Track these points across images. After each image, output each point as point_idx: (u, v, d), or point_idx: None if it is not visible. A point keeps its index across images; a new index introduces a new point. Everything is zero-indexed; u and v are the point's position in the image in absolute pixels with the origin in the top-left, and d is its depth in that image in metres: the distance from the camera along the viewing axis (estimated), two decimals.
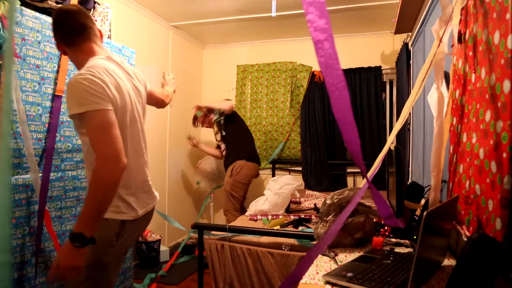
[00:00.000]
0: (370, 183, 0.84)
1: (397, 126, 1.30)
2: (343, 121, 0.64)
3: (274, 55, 4.24)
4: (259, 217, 2.57)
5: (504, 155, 0.84)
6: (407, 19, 2.57)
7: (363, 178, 0.91)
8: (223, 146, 3.47)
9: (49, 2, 1.87)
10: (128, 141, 1.31)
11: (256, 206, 2.70)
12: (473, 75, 1.11)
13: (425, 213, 0.82)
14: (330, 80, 0.60)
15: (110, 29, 2.35)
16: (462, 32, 1.25)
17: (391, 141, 1.30)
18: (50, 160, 1.83)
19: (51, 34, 1.84)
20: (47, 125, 1.84)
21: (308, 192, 3.68)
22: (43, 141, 1.82)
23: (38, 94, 1.79)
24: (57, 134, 1.88)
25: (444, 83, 1.40)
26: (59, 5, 1.91)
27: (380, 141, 3.80)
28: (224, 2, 3.14)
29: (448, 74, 1.46)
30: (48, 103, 1.85)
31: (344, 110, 0.62)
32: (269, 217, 2.54)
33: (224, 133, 3.40)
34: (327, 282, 0.99)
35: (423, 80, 1.26)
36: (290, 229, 2.27)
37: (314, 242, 1.51)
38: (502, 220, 0.85)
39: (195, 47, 4.36)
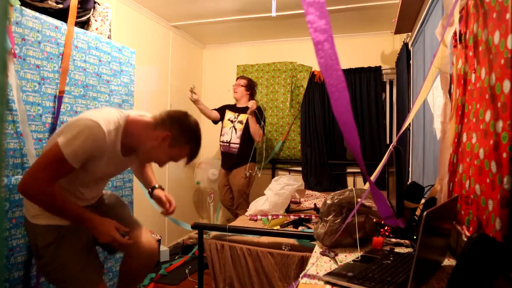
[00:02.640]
0: (371, 182, 0.84)
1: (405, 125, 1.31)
2: (344, 121, 0.64)
3: (274, 55, 4.24)
4: (259, 217, 2.57)
5: (504, 155, 0.84)
6: (407, 19, 2.57)
7: (363, 178, 0.91)
8: (239, 134, 3.34)
9: (49, 2, 1.87)
10: None
11: (256, 206, 2.70)
12: (473, 75, 1.11)
13: (425, 213, 0.82)
14: (331, 81, 0.60)
15: (110, 29, 2.35)
16: (462, 32, 1.25)
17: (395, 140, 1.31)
18: None
19: (51, 34, 1.85)
20: (47, 125, 1.84)
21: (308, 192, 3.68)
22: (43, 141, 1.82)
23: (38, 94, 1.79)
24: None
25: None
26: (59, 5, 1.91)
27: (380, 141, 3.80)
28: (224, 2, 3.14)
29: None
30: (48, 103, 1.85)
31: (344, 111, 0.62)
32: (269, 217, 2.54)
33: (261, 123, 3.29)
34: (327, 282, 0.99)
35: (421, 80, 1.25)
36: (290, 229, 2.27)
37: (314, 242, 1.51)
38: (502, 220, 0.85)
39: (195, 47, 4.36)
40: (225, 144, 3.41)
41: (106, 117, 1.30)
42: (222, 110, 3.50)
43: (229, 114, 3.45)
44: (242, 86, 3.41)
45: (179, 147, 1.41)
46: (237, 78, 3.54)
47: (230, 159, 3.38)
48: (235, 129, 3.37)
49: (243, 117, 3.36)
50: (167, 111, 1.43)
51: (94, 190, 1.52)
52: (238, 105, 3.46)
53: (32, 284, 1.74)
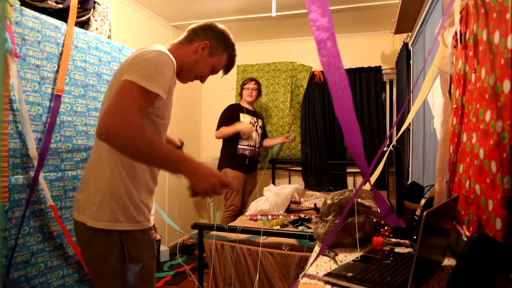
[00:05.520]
0: (371, 184, 0.84)
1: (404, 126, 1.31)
2: (345, 120, 0.64)
3: (274, 55, 4.24)
4: (259, 217, 2.57)
5: (504, 155, 0.84)
6: (407, 19, 2.57)
7: (363, 178, 0.91)
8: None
9: (49, 2, 1.87)
10: None
11: (256, 206, 2.70)
12: (473, 75, 1.11)
13: (425, 213, 0.82)
14: (333, 80, 0.60)
15: (110, 29, 2.35)
16: (462, 32, 1.25)
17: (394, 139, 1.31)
18: (44, 159, 1.79)
19: (51, 34, 1.85)
20: (47, 125, 1.84)
21: (308, 192, 3.68)
22: (43, 140, 1.82)
23: (38, 94, 1.79)
24: (57, 134, 1.88)
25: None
26: (59, 5, 1.91)
27: (380, 141, 3.80)
28: (224, 2, 3.14)
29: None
30: (48, 103, 1.85)
31: (346, 109, 0.62)
32: (269, 217, 2.54)
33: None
34: (327, 282, 0.99)
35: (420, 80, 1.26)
36: (290, 229, 2.27)
37: (314, 242, 1.51)
38: (502, 220, 0.85)
39: None
40: (251, 148, 3.34)
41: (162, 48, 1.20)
42: (233, 115, 3.33)
43: (247, 117, 3.37)
44: (256, 90, 3.48)
45: (218, 55, 1.35)
46: (248, 81, 3.47)
47: (254, 163, 3.43)
48: (258, 133, 3.43)
49: (260, 122, 3.51)
50: (194, 25, 1.36)
51: None
52: (250, 108, 3.50)
53: (32, 284, 1.74)
